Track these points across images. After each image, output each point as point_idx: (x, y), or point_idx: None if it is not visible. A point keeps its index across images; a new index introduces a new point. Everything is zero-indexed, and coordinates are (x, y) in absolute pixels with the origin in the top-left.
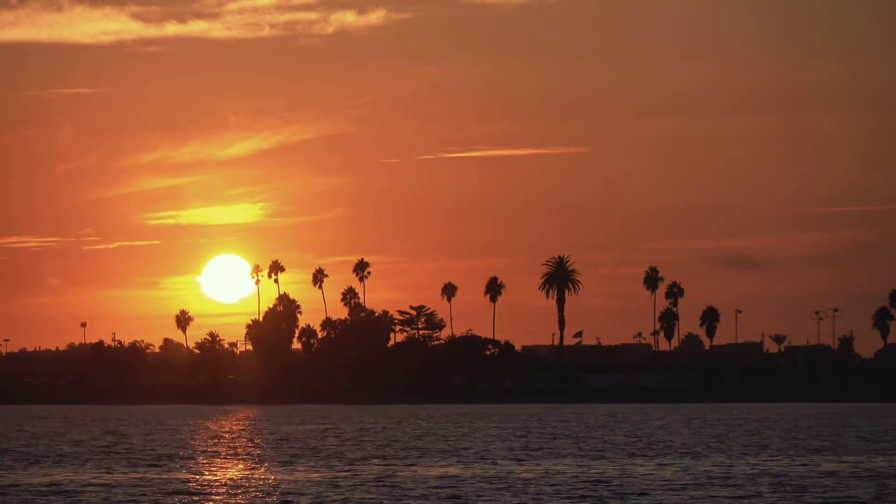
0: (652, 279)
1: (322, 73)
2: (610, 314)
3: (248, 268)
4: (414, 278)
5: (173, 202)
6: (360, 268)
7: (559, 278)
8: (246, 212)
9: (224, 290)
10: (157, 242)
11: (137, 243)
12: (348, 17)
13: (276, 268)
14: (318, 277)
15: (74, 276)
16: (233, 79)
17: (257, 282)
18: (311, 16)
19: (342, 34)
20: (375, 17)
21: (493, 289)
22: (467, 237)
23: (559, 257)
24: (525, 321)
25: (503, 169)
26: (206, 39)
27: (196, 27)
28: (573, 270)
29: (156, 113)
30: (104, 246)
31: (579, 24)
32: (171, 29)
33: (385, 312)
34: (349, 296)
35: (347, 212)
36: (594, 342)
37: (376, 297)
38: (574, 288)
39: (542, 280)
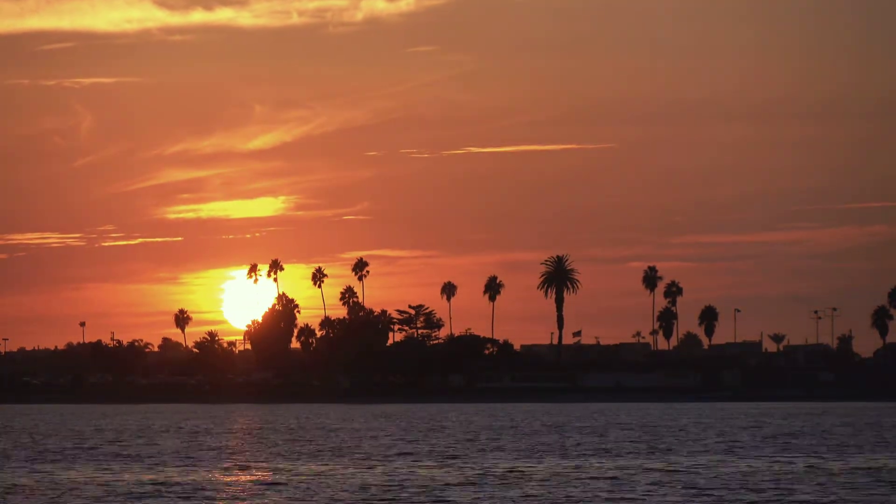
0: (651, 278)
1: (351, 62)
2: (609, 313)
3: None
4: (421, 276)
5: (195, 195)
6: (359, 267)
7: (558, 277)
8: (267, 206)
9: (239, 313)
10: (179, 239)
11: (159, 239)
12: (379, 4)
13: (275, 266)
14: (318, 277)
15: (87, 274)
16: (260, 68)
17: (255, 281)
18: (341, 2)
19: (372, 21)
20: (406, 3)
21: (492, 288)
22: (476, 235)
23: (558, 256)
24: (524, 320)
25: (529, 165)
26: (233, 27)
27: (222, 14)
28: (572, 270)
29: (179, 103)
30: (125, 242)
31: (616, 15)
32: (197, 16)
33: (384, 312)
34: (347, 295)
35: (371, 207)
36: (593, 341)
37: (380, 295)
38: (573, 287)
39: (541, 279)
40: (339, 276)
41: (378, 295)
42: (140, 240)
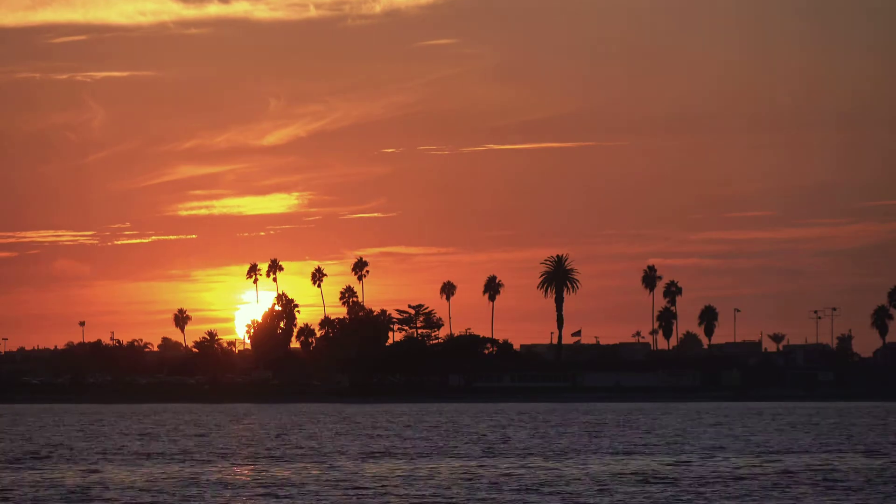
0: (650, 278)
1: (369, 56)
2: (608, 313)
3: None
4: (438, 273)
5: (208, 192)
6: (359, 266)
7: (558, 277)
8: (281, 202)
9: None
10: (193, 237)
11: (172, 237)
12: None
13: (274, 267)
14: (317, 276)
15: (98, 272)
16: (275, 62)
17: (255, 280)
18: None
19: (392, 14)
20: None
21: (492, 287)
22: (493, 232)
23: (558, 256)
24: (524, 320)
25: (547, 163)
26: (250, 21)
27: (239, 7)
28: (572, 269)
29: (193, 98)
30: (139, 241)
31: (638, 11)
32: (213, 9)
33: (383, 311)
34: (347, 294)
35: (387, 204)
36: (593, 341)
37: (384, 293)
38: (573, 287)
39: (541, 279)
40: (353, 274)
41: (382, 293)
42: (153, 237)
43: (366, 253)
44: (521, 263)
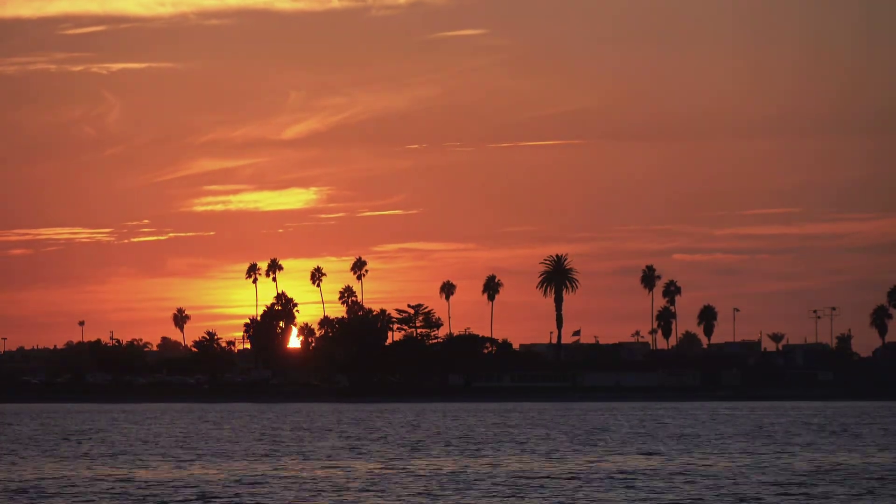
0: (649, 277)
1: (392, 47)
2: (608, 313)
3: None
4: (455, 269)
5: (225, 186)
6: (359, 266)
7: (557, 277)
8: (299, 197)
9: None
10: (212, 233)
11: (191, 234)
12: None
13: (274, 266)
14: (317, 276)
15: (113, 271)
16: (297, 54)
17: (255, 280)
18: None
19: (416, 4)
20: None
21: (491, 287)
22: (512, 228)
23: (557, 256)
24: (523, 320)
25: (560, 159)
26: (271, 11)
27: None
28: (571, 269)
29: (212, 90)
30: (156, 238)
31: (670, 3)
32: (234, 0)
33: (382, 311)
34: (346, 294)
35: (408, 199)
36: (592, 340)
37: (385, 290)
38: (572, 286)
39: (541, 278)
40: (371, 271)
41: (384, 292)
42: (171, 234)
43: (385, 249)
44: (538, 259)
